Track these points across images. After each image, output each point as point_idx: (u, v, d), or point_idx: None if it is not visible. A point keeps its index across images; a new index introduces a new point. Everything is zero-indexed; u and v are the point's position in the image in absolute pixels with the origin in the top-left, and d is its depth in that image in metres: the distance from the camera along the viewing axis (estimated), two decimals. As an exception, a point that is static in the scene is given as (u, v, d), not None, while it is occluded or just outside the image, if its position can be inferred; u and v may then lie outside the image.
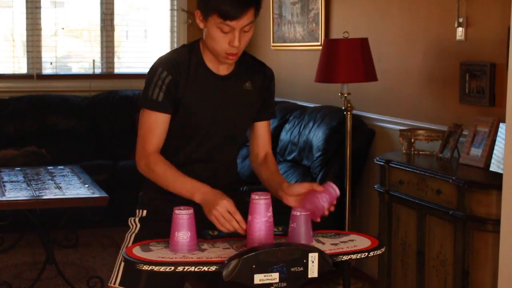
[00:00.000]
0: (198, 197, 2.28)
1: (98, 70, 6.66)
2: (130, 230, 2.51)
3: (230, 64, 2.44)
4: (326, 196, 2.27)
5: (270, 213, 2.17)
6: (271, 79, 2.57)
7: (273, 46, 6.06)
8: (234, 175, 2.62)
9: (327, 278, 4.40)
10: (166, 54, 2.48)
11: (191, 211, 2.17)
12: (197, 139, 2.46)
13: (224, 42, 2.33)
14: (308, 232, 2.20)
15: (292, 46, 5.76)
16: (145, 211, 2.53)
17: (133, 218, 2.54)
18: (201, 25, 2.38)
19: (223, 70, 2.46)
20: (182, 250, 2.14)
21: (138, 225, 2.50)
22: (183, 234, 2.14)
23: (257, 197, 2.16)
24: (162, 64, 2.42)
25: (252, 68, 2.53)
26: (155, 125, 2.41)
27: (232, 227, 2.21)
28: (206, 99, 2.43)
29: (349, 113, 4.27)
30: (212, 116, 2.44)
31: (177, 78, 2.39)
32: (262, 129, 2.58)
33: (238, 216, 2.21)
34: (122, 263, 2.39)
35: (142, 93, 2.45)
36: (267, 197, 2.17)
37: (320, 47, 4.56)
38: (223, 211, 2.21)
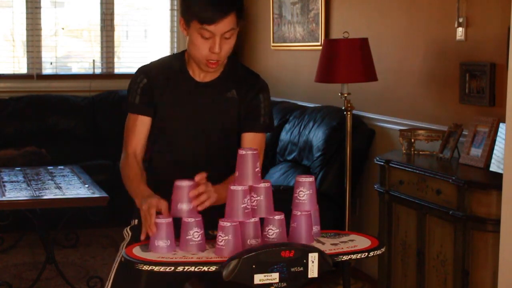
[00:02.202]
0: (137, 201, 2.30)
1: (98, 70, 6.67)
2: (124, 241, 2.50)
3: (212, 72, 2.44)
4: None
5: (258, 168, 2.19)
6: (260, 90, 2.49)
7: (273, 46, 6.06)
8: None
9: (327, 278, 4.40)
10: (151, 61, 2.56)
11: (170, 219, 2.17)
12: (174, 145, 2.47)
13: (204, 48, 2.34)
14: (309, 231, 2.20)
15: (292, 46, 5.76)
16: (137, 220, 2.54)
17: (127, 228, 2.55)
18: (185, 33, 2.41)
19: (205, 77, 2.47)
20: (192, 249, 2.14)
21: (130, 234, 2.50)
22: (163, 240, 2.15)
23: (243, 151, 2.19)
24: (140, 70, 2.52)
25: (240, 78, 2.50)
26: (133, 127, 2.47)
27: (146, 226, 2.17)
28: (181, 104, 2.45)
29: (349, 113, 4.27)
30: (187, 121, 2.45)
31: (152, 81, 2.45)
32: (245, 141, 2.49)
33: (153, 218, 2.16)
34: (115, 269, 2.41)
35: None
36: (254, 151, 2.19)
37: (320, 47, 4.56)
38: (145, 209, 2.18)
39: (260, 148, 2.50)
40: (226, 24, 2.32)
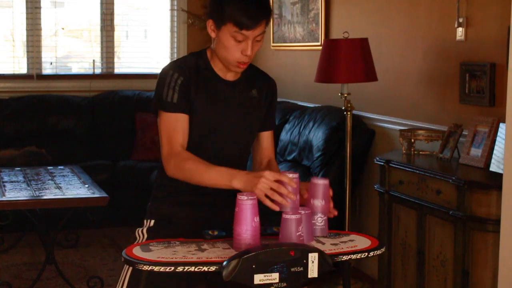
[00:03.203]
0: (237, 180, 2.23)
1: (98, 70, 6.66)
2: (136, 242, 2.47)
3: (238, 72, 2.48)
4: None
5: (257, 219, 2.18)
6: (275, 91, 2.63)
7: (273, 46, 6.06)
8: None
9: (327, 278, 4.40)
10: (174, 60, 2.53)
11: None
12: (207, 143, 2.47)
13: (236, 50, 2.37)
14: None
15: (292, 46, 5.76)
16: (153, 221, 2.52)
17: (140, 229, 2.52)
18: (213, 35, 2.42)
19: (230, 76, 2.50)
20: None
21: (145, 236, 2.48)
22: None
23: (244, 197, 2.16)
24: (172, 67, 2.45)
25: (257, 77, 2.58)
26: (176, 125, 2.41)
27: (282, 198, 2.17)
28: (217, 103, 2.46)
29: (349, 113, 4.27)
30: (223, 119, 2.47)
31: (188, 79, 2.42)
32: (266, 139, 2.62)
33: (284, 189, 2.17)
34: (129, 271, 2.39)
35: (154, 97, 2.45)
36: (253, 197, 2.17)
37: (320, 47, 4.56)
38: (269, 182, 2.16)
39: (273, 143, 2.66)
40: (259, 29, 2.37)
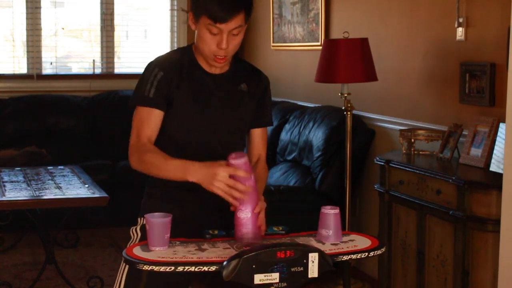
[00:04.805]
0: (192, 175, 2.24)
1: (98, 70, 6.67)
2: (131, 241, 2.47)
3: (220, 66, 2.45)
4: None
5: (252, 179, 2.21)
6: (266, 86, 2.57)
7: (273, 46, 6.06)
8: None
9: (327, 278, 4.40)
10: (158, 56, 2.51)
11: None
12: (194, 140, 2.44)
13: (212, 43, 2.35)
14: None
15: (292, 46, 5.76)
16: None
17: (134, 228, 2.51)
18: (193, 27, 2.41)
19: (216, 70, 2.47)
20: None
21: (139, 234, 2.47)
22: None
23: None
24: (154, 62, 2.46)
25: (248, 72, 2.54)
26: (147, 118, 2.40)
27: (239, 194, 2.19)
28: (199, 95, 2.43)
29: (349, 113, 4.27)
30: (208, 114, 2.44)
31: (169, 75, 2.41)
32: (256, 136, 2.56)
33: (240, 185, 2.19)
34: (126, 270, 2.38)
35: (133, 93, 2.45)
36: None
37: (320, 47, 4.56)
38: (224, 179, 2.18)
39: (266, 140, 2.61)
40: (235, 22, 2.33)
